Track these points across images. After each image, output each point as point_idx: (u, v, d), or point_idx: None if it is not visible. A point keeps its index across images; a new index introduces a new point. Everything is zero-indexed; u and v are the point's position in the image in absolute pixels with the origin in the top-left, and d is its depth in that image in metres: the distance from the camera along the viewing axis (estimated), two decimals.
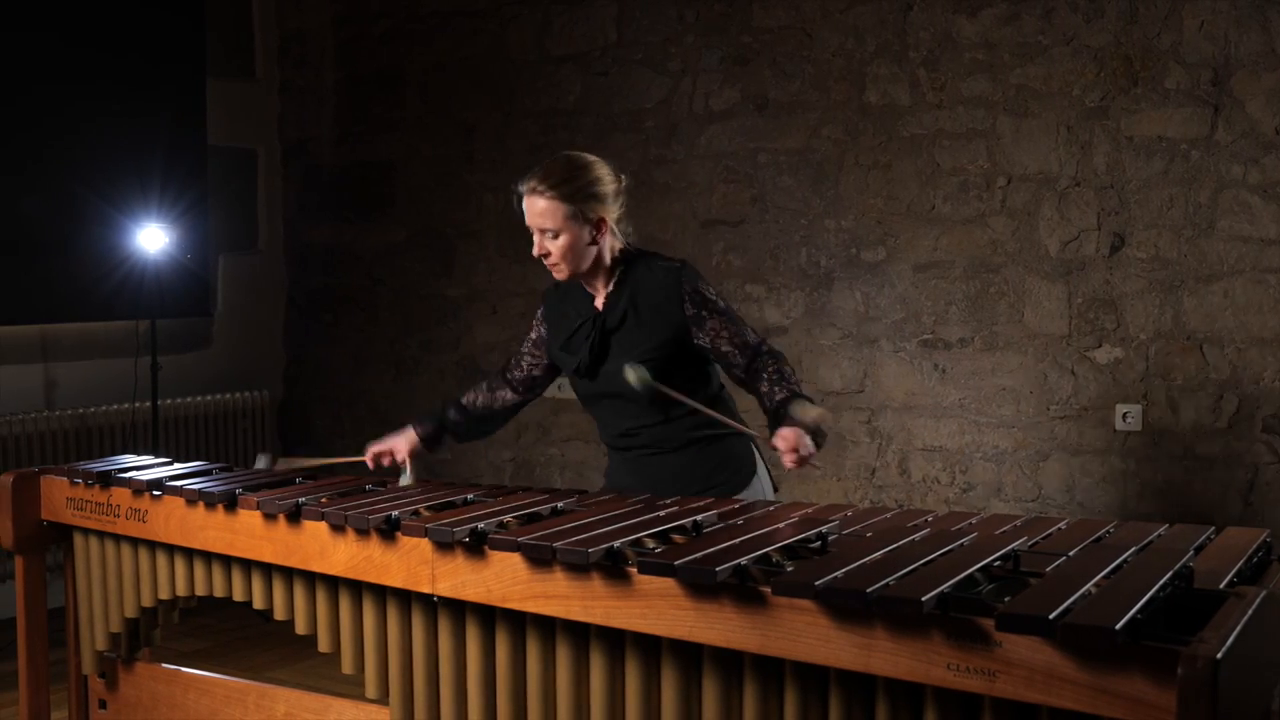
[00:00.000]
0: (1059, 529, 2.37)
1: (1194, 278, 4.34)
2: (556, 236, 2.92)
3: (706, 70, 5.16)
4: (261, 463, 3.32)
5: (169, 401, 5.59)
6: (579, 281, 3.04)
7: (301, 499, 2.70)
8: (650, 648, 2.16)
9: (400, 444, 3.21)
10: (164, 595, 3.04)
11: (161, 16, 5.59)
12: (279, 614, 2.78)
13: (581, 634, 2.24)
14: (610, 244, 2.99)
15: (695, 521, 2.38)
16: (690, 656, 2.11)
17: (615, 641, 2.20)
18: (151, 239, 5.08)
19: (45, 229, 5.17)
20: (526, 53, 5.59)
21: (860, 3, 4.82)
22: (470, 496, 2.76)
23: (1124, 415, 4.45)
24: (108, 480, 3.08)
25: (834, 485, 4.96)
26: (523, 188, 2.95)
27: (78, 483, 3.16)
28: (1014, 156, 4.59)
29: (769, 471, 3.13)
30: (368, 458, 3.22)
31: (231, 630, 5.03)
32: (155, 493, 2.97)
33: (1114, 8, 4.39)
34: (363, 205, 6.08)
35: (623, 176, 3.03)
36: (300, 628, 2.74)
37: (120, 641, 3.25)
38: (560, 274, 3.00)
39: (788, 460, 2.73)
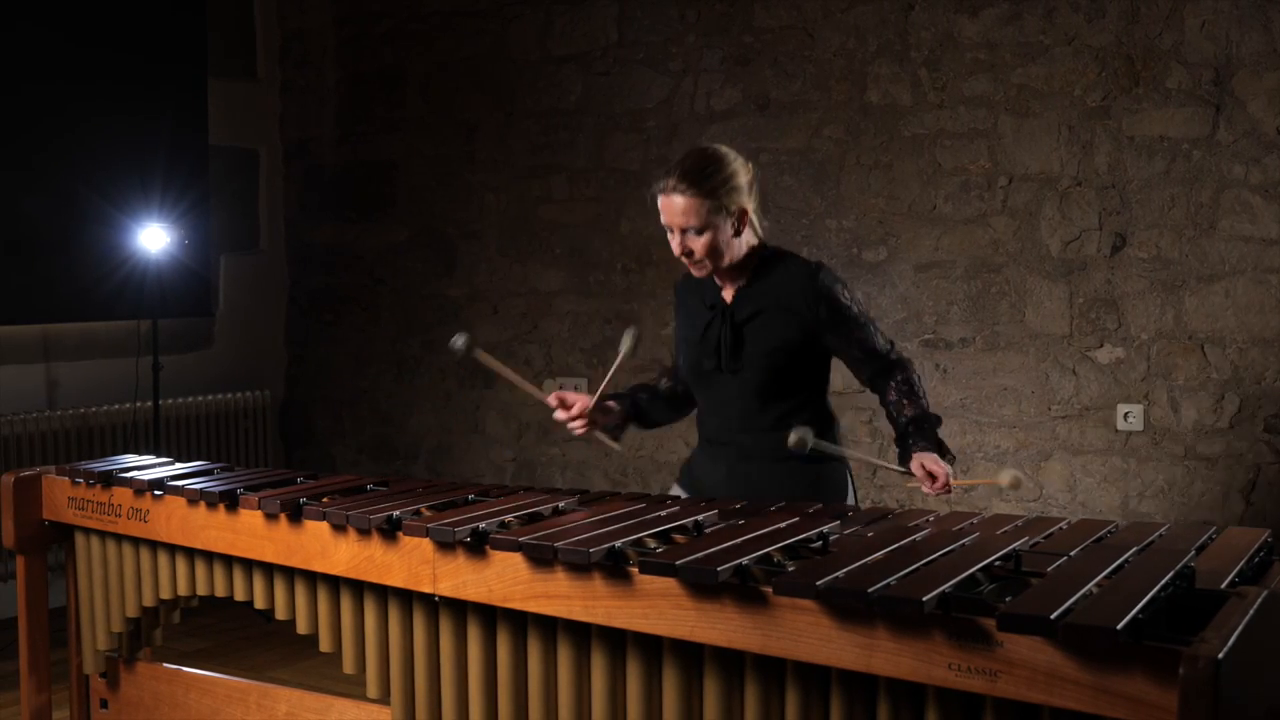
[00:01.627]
0: (1060, 529, 2.37)
1: (1195, 277, 4.34)
2: (700, 233, 2.86)
3: (708, 70, 5.16)
4: (459, 342, 3.18)
5: (170, 401, 5.59)
6: (696, 275, 2.99)
7: (302, 499, 2.70)
8: (652, 648, 2.16)
9: (585, 398, 3.06)
10: (165, 595, 3.04)
11: (163, 16, 5.59)
12: (280, 614, 2.78)
13: (583, 634, 2.24)
14: (747, 237, 2.94)
15: (696, 521, 2.38)
16: (692, 656, 2.11)
17: (617, 641, 2.20)
18: (153, 239, 5.08)
19: (47, 229, 5.17)
20: (528, 52, 5.59)
21: (861, 2, 4.82)
22: (472, 496, 2.76)
23: (1125, 415, 4.45)
24: (109, 480, 3.08)
25: None
26: (660, 186, 2.88)
27: (79, 482, 3.16)
28: (1015, 156, 4.58)
29: (855, 494, 3.10)
30: (553, 398, 3.05)
31: (233, 630, 5.03)
32: (156, 492, 2.97)
33: (1115, 7, 4.39)
34: (364, 205, 6.08)
35: (752, 166, 2.97)
36: (301, 627, 2.74)
37: (121, 641, 3.25)
38: (702, 271, 2.94)
39: (927, 488, 2.80)
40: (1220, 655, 1.56)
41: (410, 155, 5.94)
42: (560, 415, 3.03)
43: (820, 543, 2.23)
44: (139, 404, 5.42)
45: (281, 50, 6.28)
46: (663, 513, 2.50)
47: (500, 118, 5.68)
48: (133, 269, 5.19)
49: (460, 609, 2.42)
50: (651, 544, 2.30)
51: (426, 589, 2.43)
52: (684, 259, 2.91)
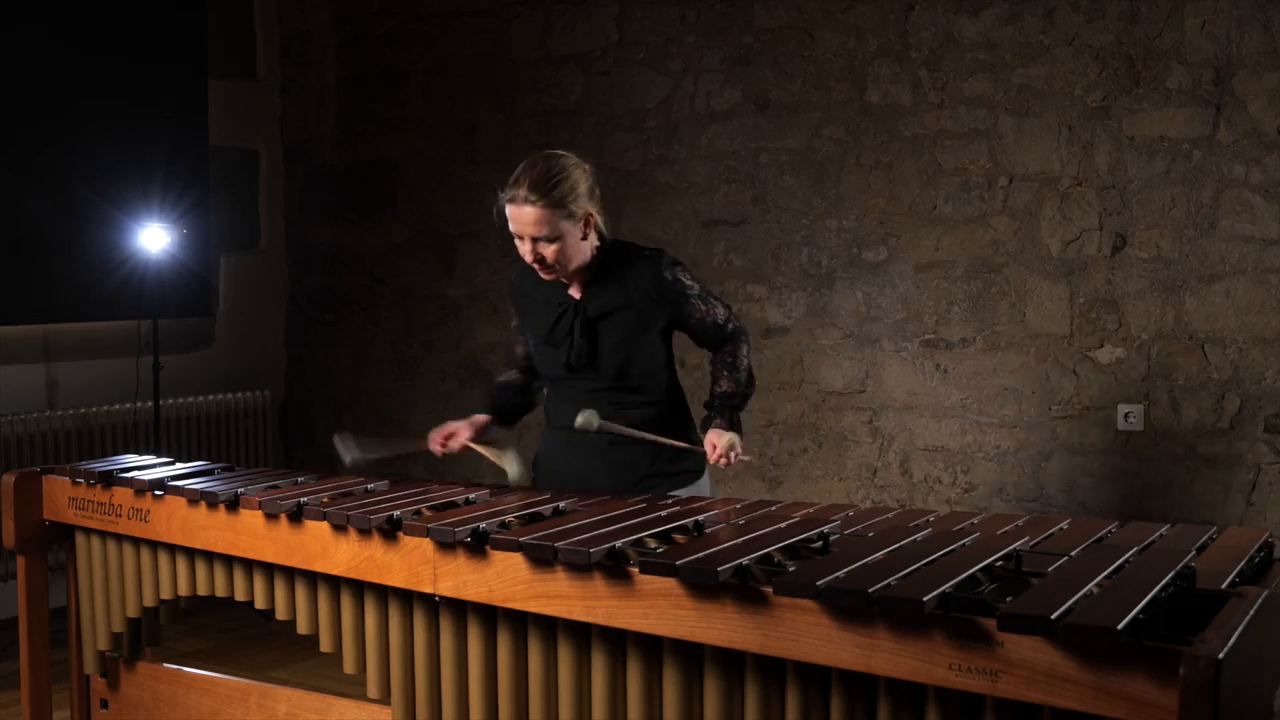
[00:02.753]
0: (1061, 529, 2.37)
1: (1196, 278, 4.34)
2: (551, 241, 2.94)
3: (708, 70, 5.16)
4: (345, 448, 3.27)
5: (171, 401, 5.59)
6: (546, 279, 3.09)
7: (303, 499, 2.70)
8: (652, 648, 2.16)
9: (463, 426, 3.19)
10: (166, 595, 3.04)
11: (163, 16, 5.59)
12: (281, 614, 2.78)
13: (583, 634, 2.24)
14: (592, 239, 3.04)
15: (697, 521, 2.38)
16: (692, 656, 2.11)
17: (617, 641, 2.20)
18: (153, 239, 5.08)
19: (47, 229, 5.17)
20: (528, 52, 5.59)
21: (861, 2, 4.82)
22: (472, 496, 2.76)
23: (1126, 415, 4.45)
24: (110, 480, 3.08)
25: (836, 485, 4.96)
26: (508, 197, 2.95)
27: (80, 482, 3.16)
28: (1015, 156, 4.58)
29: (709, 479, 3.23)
30: (433, 444, 3.18)
31: (233, 630, 5.04)
32: (157, 493, 2.97)
33: (1115, 7, 4.39)
34: (364, 205, 6.08)
35: (590, 168, 3.07)
36: (302, 627, 2.74)
37: (122, 641, 3.25)
38: (552, 275, 3.02)
39: (711, 458, 2.97)
40: (1221, 655, 1.56)
41: (410, 155, 5.94)
42: (439, 451, 3.18)
43: (820, 543, 2.23)
44: (139, 404, 5.42)
45: (282, 50, 6.28)
46: (663, 513, 2.50)
47: (500, 118, 5.68)
48: (133, 269, 5.20)
49: (461, 609, 2.42)
50: (652, 544, 2.30)
51: (427, 589, 2.43)
52: (535, 265, 2.99)
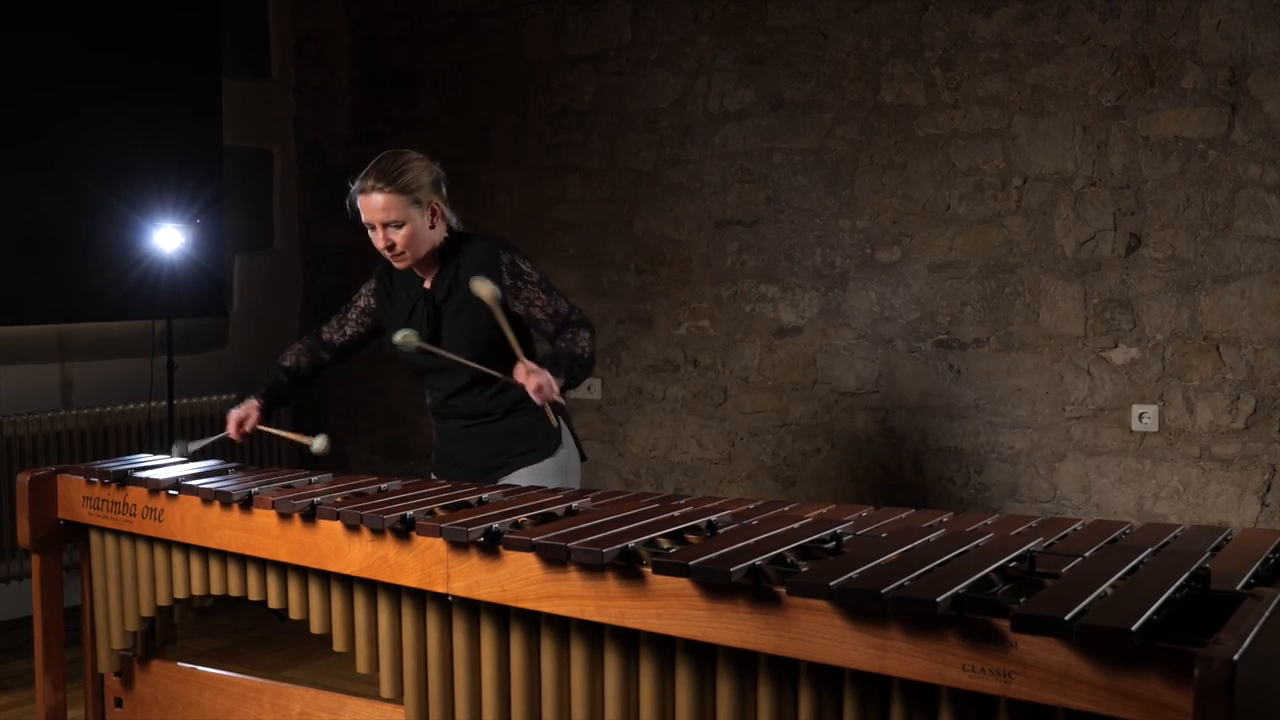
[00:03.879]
0: (1075, 530, 2.36)
1: (1210, 278, 4.32)
2: (400, 227, 3.19)
3: (721, 70, 5.16)
4: (178, 450, 3.53)
5: (185, 401, 5.61)
6: (398, 267, 3.30)
7: (316, 499, 2.71)
8: (665, 648, 2.16)
9: (251, 410, 3.48)
10: (180, 594, 3.05)
11: (177, 18, 5.61)
12: (294, 613, 2.79)
13: (596, 634, 2.24)
14: (440, 230, 3.27)
15: (710, 521, 2.38)
16: (705, 657, 2.11)
17: (630, 642, 2.20)
18: (167, 239, 5.09)
19: (62, 229, 5.19)
20: (541, 53, 5.60)
21: (875, 2, 4.81)
22: (485, 496, 2.76)
23: (1140, 416, 4.44)
24: (124, 479, 3.09)
25: (849, 485, 4.95)
26: (358, 188, 3.21)
27: (94, 482, 3.17)
28: (1030, 156, 4.57)
29: (577, 440, 3.41)
30: (230, 430, 3.47)
31: (247, 629, 5.05)
32: (171, 492, 2.98)
33: (1130, 7, 4.38)
34: None
35: (436, 165, 3.31)
36: (315, 627, 2.75)
37: (136, 640, 3.26)
38: (403, 262, 3.25)
39: (522, 378, 3.04)
40: (1236, 657, 1.55)
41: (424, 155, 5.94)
42: (246, 429, 3.48)
43: (834, 543, 2.23)
44: (153, 403, 5.44)
45: (296, 51, 6.30)
46: (676, 513, 2.50)
47: (514, 118, 5.68)
48: (147, 269, 5.21)
49: (474, 609, 2.43)
50: (665, 544, 2.30)
51: (440, 589, 2.44)
52: (386, 252, 3.24)
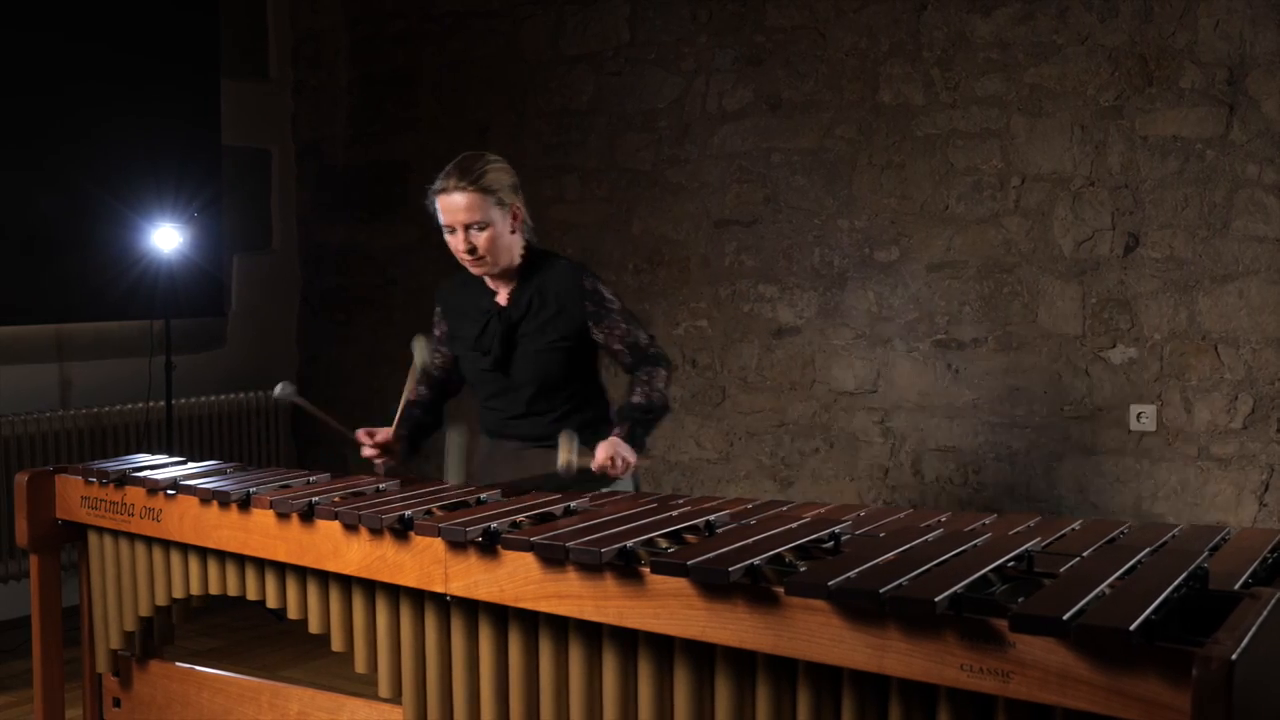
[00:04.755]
0: (1073, 530, 2.36)
1: (1208, 278, 4.32)
2: (483, 229, 3.05)
3: (719, 70, 5.16)
4: (280, 389, 3.35)
5: (183, 401, 5.61)
6: (479, 278, 3.18)
7: (314, 498, 2.71)
8: (663, 648, 2.16)
9: (387, 431, 3.30)
10: (178, 594, 3.05)
11: (176, 17, 5.60)
12: (292, 613, 2.79)
13: (594, 634, 2.24)
14: (519, 239, 3.14)
15: (708, 521, 2.38)
16: (703, 657, 2.11)
17: (628, 641, 2.20)
18: (166, 239, 5.09)
19: (60, 229, 5.19)
20: (540, 53, 5.60)
21: (874, 2, 4.81)
22: (483, 496, 2.76)
23: (1138, 415, 4.44)
24: (122, 479, 3.09)
25: (847, 485, 4.95)
26: (438, 188, 3.08)
27: (92, 482, 3.17)
28: (1028, 156, 4.57)
29: (636, 475, 3.25)
30: (361, 434, 3.29)
31: (245, 629, 5.05)
32: (169, 492, 2.98)
33: (1129, 7, 4.38)
34: (376, 205, 6.09)
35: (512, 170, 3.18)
36: (314, 627, 2.75)
37: (134, 640, 3.26)
38: (483, 268, 3.12)
39: (596, 464, 2.93)
40: (1233, 656, 1.56)
41: (422, 155, 5.94)
42: (367, 452, 3.25)
43: (832, 543, 2.23)
44: (152, 403, 5.43)
45: (294, 51, 6.30)
46: (674, 513, 2.50)
47: (512, 118, 5.68)
48: (145, 269, 5.21)
49: (472, 609, 2.43)
50: (663, 544, 2.30)
51: (438, 589, 2.44)
52: (466, 257, 3.09)
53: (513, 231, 3.10)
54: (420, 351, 3.17)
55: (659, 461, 5.38)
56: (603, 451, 2.94)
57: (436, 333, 3.37)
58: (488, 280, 3.19)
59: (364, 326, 6.15)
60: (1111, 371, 4.48)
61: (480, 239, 3.06)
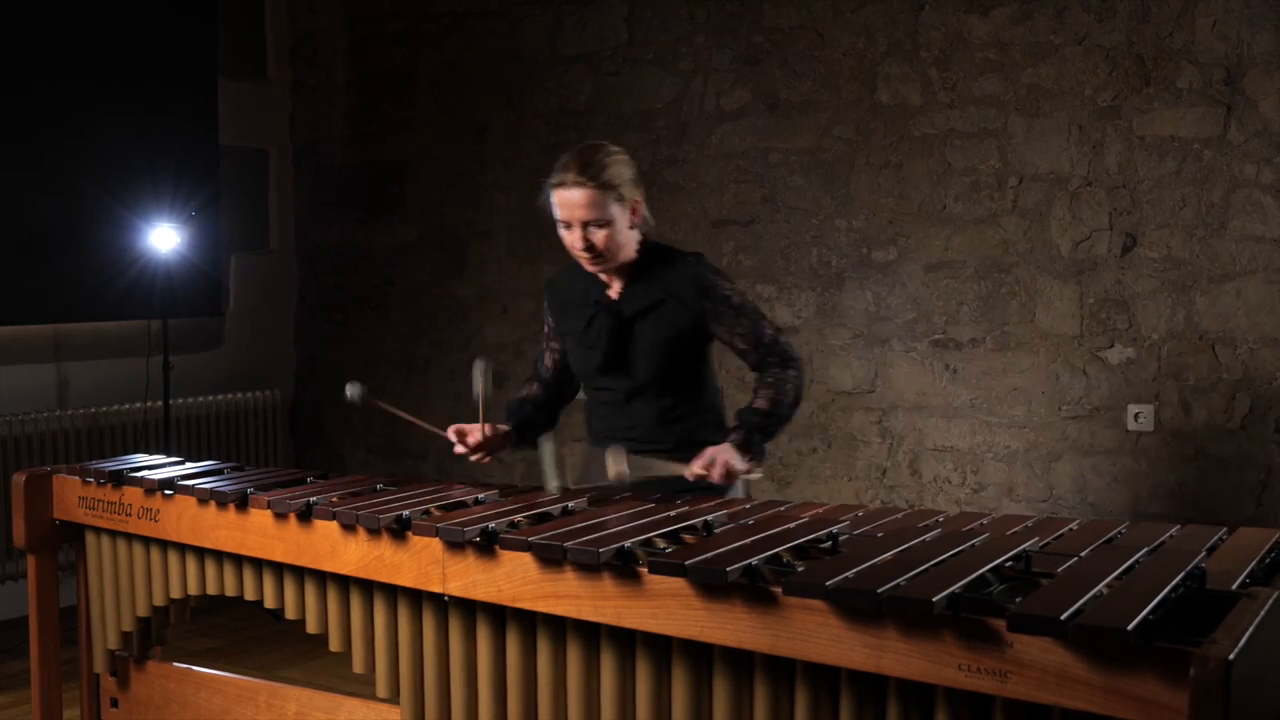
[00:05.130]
0: (1070, 529, 2.36)
1: (1206, 278, 4.33)
2: (602, 226, 2.88)
3: (717, 70, 5.16)
4: (352, 391, 3.19)
5: (181, 401, 5.60)
6: (591, 271, 3.01)
7: (312, 498, 2.71)
8: (661, 648, 2.16)
9: (478, 428, 3.08)
10: (175, 594, 3.04)
11: (174, 17, 5.60)
12: (290, 613, 2.79)
13: (592, 634, 2.24)
14: (635, 232, 2.97)
15: (706, 521, 2.38)
16: (701, 656, 2.11)
17: (626, 641, 2.20)
18: (164, 239, 5.09)
19: (58, 229, 5.18)
20: (538, 53, 5.60)
21: (871, 2, 4.81)
22: (481, 496, 2.76)
23: (1136, 415, 4.44)
24: (120, 479, 3.09)
25: (845, 485, 4.95)
26: (556, 181, 2.88)
27: (90, 482, 3.17)
28: (1026, 156, 4.58)
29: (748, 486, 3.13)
30: (451, 432, 3.10)
31: (243, 629, 5.04)
32: (167, 492, 2.97)
33: (1126, 7, 4.38)
34: (374, 205, 6.09)
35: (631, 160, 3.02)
36: (311, 627, 2.75)
37: (132, 640, 3.26)
38: (598, 265, 2.95)
39: (690, 471, 2.81)
40: (1231, 656, 1.56)
41: (420, 155, 5.94)
42: (460, 449, 3.07)
43: (830, 543, 2.23)
44: (149, 404, 5.43)
45: (292, 51, 6.29)
46: (672, 513, 2.50)
47: (510, 118, 5.68)
48: (143, 269, 5.21)
49: (470, 609, 2.43)
50: (661, 544, 2.30)
51: (436, 589, 2.43)
52: (583, 255, 2.92)
53: (631, 226, 2.94)
54: (478, 378, 3.00)
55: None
56: (703, 457, 2.80)
57: (545, 328, 3.22)
58: (602, 274, 3.03)
59: (361, 326, 6.15)
60: (1109, 371, 4.48)
61: (599, 236, 2.89)
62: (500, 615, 2.38)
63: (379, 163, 6.07)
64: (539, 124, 5.60)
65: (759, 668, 2.04)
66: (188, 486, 2.93)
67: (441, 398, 5.90)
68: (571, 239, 2.92)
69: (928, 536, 2.23)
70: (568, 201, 2.88)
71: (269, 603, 2.84)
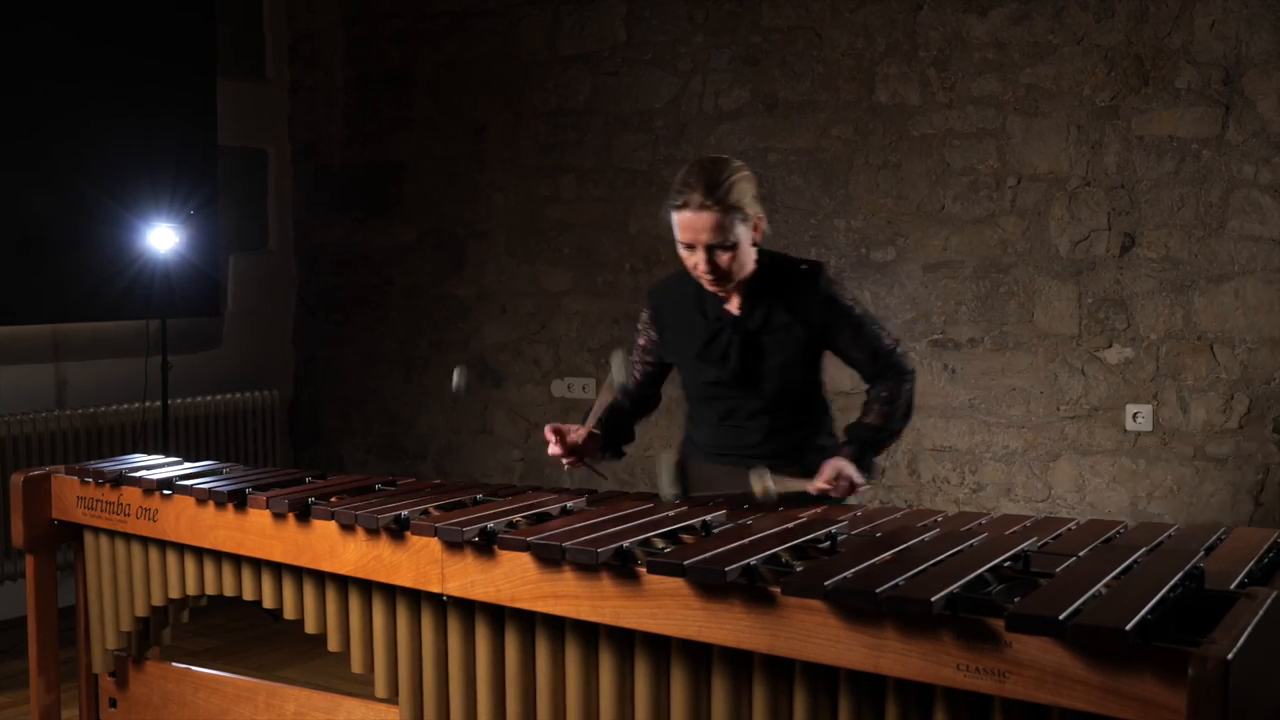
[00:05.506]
0: (1069, 529, 2.36)
1: (1204, 277, 4.33)
2: (728, 248, 2.76)
3: (716, 70, 5.16)
4: (459, 380, 3.13)
5: (179, 401, 5.60)
6: (696, 280, 2.88)
7: (311, 498, 2.70)
8: (660, 648, 2.16)
9: (578, 430, 2.97)
10: (174, 594, 3.04)
11: (172, 16, 5.60)
12: (289, 613, 2.79)
13: (591, 634, 2.24)
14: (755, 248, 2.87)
15: (704, 521, 2.38)
16: (700, 656, 2.11)
17: (624, 641, 2.20)
18: (162, 239, 5.09)
19: (56, 229, 5.18)
20: (536, 52, 5.60)
21: (870, 2, 4.81)
22: (479, 496, 2.76)
23: (1134, 415, 4.44)
24: (118, 479, 3.08)
25: None
26: (679, 202, 2.75)
27: (88, 482, 3.16)
28: (1024, 156, 4.58)
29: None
30: (548, 431, 2.96)
31: (241, 629, 5.04)
32: (165, 492, 2.97)
33: (1124, 7, 4.38)
34: (373, 205, 6.09)
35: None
36: (310, 627, 2.75)
37: (130, 640, 3.26)
38: (720, 285, 2.84)
39: (814, 486, 2.73)
40: (1229, 656, 1.56)
41: (419, 155, 5.94)
42: (554, 450, 2.95)
43: (828, 543, 2.23)
44: (148, 404, 5.43)
45: (291, 50, 6.29)
46: (671, 513, 2.50)
47: (509, 118, 5.68)
48: (142, 269, 5.20)
49: (468, 609, 2.42)
50: (659, 544, 2.30)
51: (435, 589, 2.43)
52: (706, 277, 2.80)
53: (754, 244, 2.82)
54: (618, 367, 2.89)
55: (655, 461, 5.37)
56: (827, 471, 2.72)
57: (641, 340, 3.09)
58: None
59: (360, 326, 6.15)
60: (1108, 371, 4.49)
61: (724, 259, 2.76)
62: (499, 615, 2.38)
63: (378, 163, 6.06)
64: (538, 124, 5.60)
65: (758, 668, 2.04)
66: (186, 486, 2.93)
67: (440, 398, 5.90)
68: (694, 260, 2.79)
69: (926, 536, 2.23)
70: (691, 225, 2.75)
71: (267, 603, 2.84)
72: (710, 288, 2.85)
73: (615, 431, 3.09)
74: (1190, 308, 4.35)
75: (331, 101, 6.20)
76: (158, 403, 5.29)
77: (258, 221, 6.24)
